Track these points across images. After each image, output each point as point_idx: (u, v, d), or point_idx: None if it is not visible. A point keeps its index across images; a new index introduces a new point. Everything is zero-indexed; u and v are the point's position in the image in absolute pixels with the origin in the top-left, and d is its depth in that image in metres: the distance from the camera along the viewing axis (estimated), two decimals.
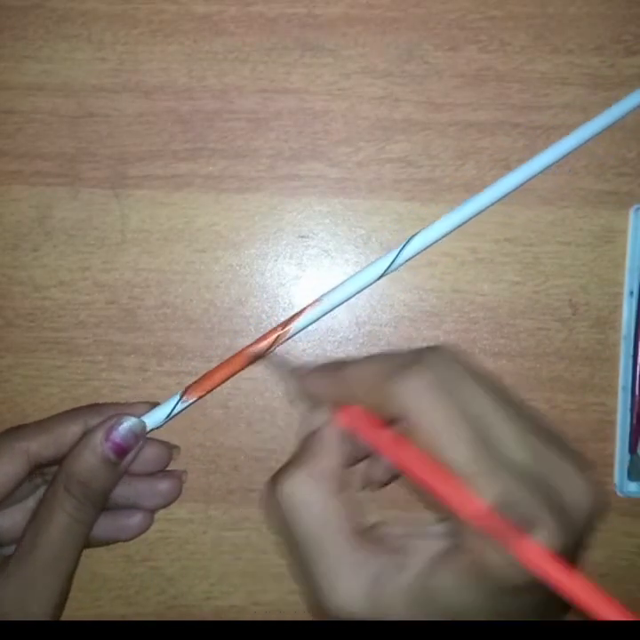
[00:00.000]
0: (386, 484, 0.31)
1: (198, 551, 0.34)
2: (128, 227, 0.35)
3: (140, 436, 0.31)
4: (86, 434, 0.30)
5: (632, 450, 0.34)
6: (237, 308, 0.35)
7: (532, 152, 0.34)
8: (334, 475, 0.24)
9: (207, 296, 0.35)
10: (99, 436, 0.30)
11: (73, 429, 0.31)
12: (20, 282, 0.35)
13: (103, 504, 0.31)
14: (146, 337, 0.35)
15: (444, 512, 0.22)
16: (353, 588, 0.22)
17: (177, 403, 0.32)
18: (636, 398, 0.34)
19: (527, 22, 0.35)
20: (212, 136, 0.35)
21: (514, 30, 0.35)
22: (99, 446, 0.29)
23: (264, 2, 0.35)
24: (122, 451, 0.30)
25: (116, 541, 0.33)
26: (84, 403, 0.34)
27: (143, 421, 0.31)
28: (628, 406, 0.34)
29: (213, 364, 0.33)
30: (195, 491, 0.34)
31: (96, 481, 0.30)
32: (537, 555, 0.20)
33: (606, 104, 0.34)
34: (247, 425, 0.34)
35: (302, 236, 0.35)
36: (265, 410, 0.34)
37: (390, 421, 0.23)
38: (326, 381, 0.26)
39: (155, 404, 0.32)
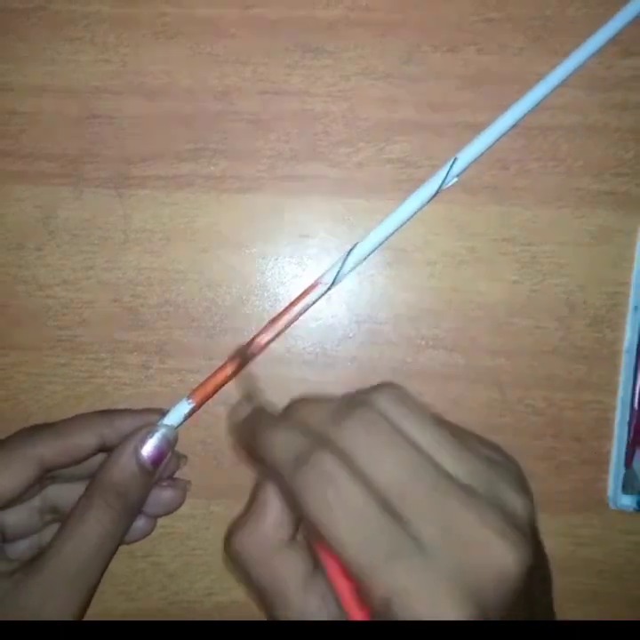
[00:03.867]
0: None
1: (200, 547, 0.35)
2: (131, 226, 0.35)
3: (173, 444, 0.31)
4: (122, 443, 0.30)
5: (627, 464, 0.34)
6: (239, 306, 0.35)
7: (530, 152, 0.35)
8: (275, 530, 0.24)
9: (209, 295, 0.35)
10: (134, 445, 0.29)
11: (88, 440, 0.30)
12: (24, 281, 0.35)
13: (135, 517, 0.30)
14: (148, 335, 0.35)
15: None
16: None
17: (186, 405, 0.32)
18: (634, 412, 0.34)
19: (525, 24, 0.35)
20: (213, 137, 0.35)
21: (512, 32, 0.35)
22: (135, 456, 0.29)
23: (265, 5, 0.35)
24: (158, 459, 0.30)
25: None
26: (87, 400, 0.35)
27: (175, 428, 0.31)
28: (626, 420, 0.34)
29: (215, 362, 0.33)
30: (197, 487, 0.34)
31: (134, 491, 0.29)
32: None
33: (604, 105, 0.35)
34: None
35: (303, 236, 0.35)
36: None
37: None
38: (251, 442, 0.25)
39: (164, 412, 0.32)
